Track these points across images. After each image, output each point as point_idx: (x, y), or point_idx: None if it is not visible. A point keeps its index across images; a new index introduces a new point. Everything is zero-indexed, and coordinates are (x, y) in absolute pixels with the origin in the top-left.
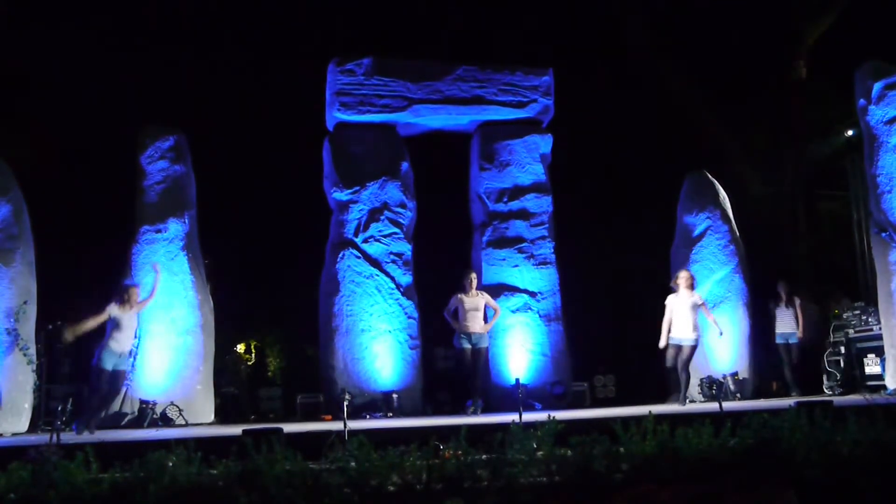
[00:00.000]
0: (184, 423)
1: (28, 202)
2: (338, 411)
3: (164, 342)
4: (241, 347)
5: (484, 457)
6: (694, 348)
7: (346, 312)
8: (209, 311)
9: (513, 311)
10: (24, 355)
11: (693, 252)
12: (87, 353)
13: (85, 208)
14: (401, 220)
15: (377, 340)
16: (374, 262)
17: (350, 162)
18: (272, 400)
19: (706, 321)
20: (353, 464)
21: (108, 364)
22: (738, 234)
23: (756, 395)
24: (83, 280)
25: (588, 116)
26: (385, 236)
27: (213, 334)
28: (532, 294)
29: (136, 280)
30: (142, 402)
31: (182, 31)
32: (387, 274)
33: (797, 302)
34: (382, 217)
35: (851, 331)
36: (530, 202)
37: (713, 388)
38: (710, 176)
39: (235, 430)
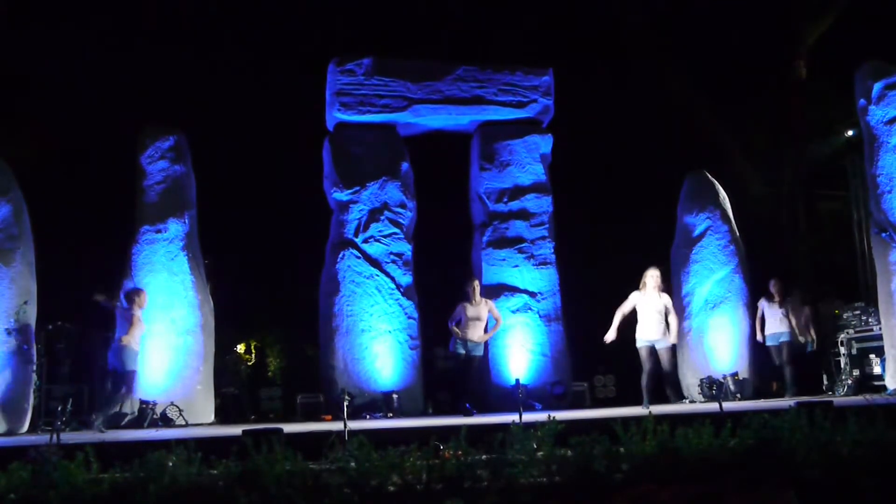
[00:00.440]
0: (184, 423)
1: (28, 202)
2: (338, 411)
3: (164, 342)
4: (241, 347)
5: (484, 457)
6: (670, 350)
7: (347, 312)
8: (209, 311)
9: (513, 312)
10: (24, 355)
11: (693, 252)
12: (87, 354)
13: (85, 208)
14: (401, 220)
15: (377, 340)
16: (375, 263)
17: (350, 162)
18: (272, 400)
19: (706, 323)
20: (353, 464)
21: (135, 364)
22: (738, 234)
23: (756, 396)
24: (83, 280)
25: (588, 116)
26: (385, 236)
27: (213, 334)
28: (532, 294)
29: (136, 280)
30: (142, 402)
31: (182, 31)
32: (387, 274)
33: (789, 302)
34: (382, 217)
35: (851, 331)
36: (530, 202)
37: (713, 388)
38: (710, 176)
39: (235, 430)
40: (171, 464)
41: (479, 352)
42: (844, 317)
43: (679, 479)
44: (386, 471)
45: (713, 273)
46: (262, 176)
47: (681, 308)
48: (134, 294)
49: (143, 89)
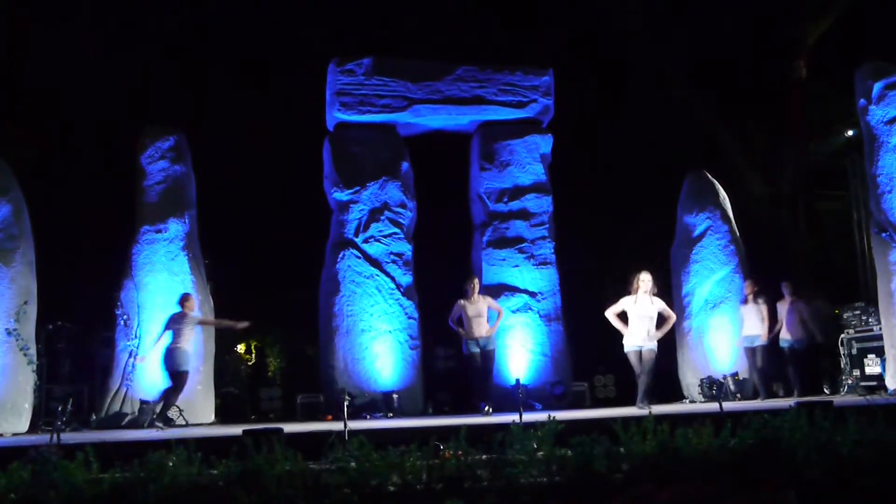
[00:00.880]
0: (184, 423)
1: (28, 202)
2: (338, 411)
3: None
4: (241, 347)
5: (484, 457)
6: (653, 353)
7: (347, 312)
8: (209, 311)
9: (513, 312)
10: (24, 355)
11: (693, 252)
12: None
13: (85, 208)
14: (401, 220)
15: (377, 340)
16: (375, 262)
17: (350, 162)
18: (272, 400)
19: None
20: (353, 464)
21: (188, 365)
22: (738, 234)
23: (756, 396)
24: (83, 280)
25: (588, 116)
26: (385, 236)
27: (213, 334)
28: (532, 294)
29: (136, 279)
30: (142, 402)
31: (182, 31)
32: (387, 274)
33: (761, 301)
34: (382, 217)
35: (851, 331)
36: (530, 202)
37: (713, 388)
38: (710, 176)
39: (235, 430)
40: (171, 464)
41: (493, 345)
42: (844, 317)
43: (679, 479)
44: (386, 471)
45: (713, 273)
46: (261, 176)
47: (681, 308)
48: (183, 299)
49: (143, 89)
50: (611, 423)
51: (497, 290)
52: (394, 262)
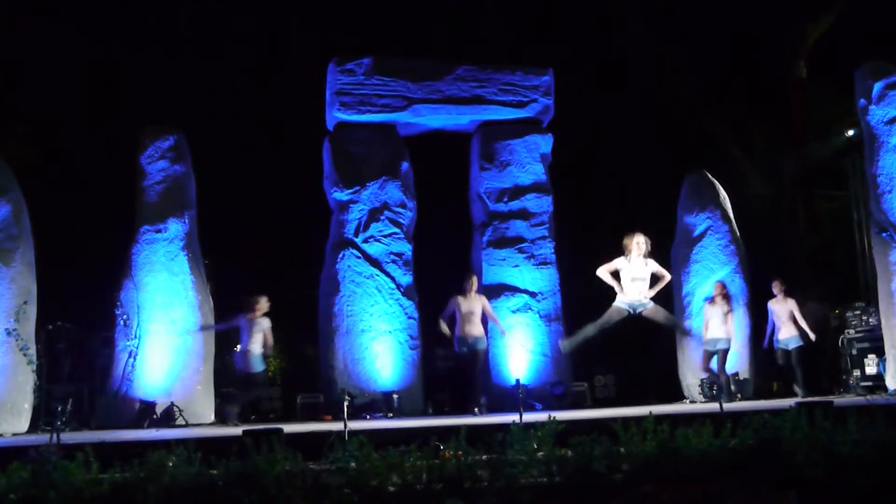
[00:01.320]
0: (184, 423)
1: (28, 202)
2: (338, 411)
3: (164, 342)
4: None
5: (484, 457)
6: (651, 306)
7: (347, 312)
8: (209, 311)
9: (513, 312)
10: (24, 355)
11: (693, 252)
12: (87, 354)
13: (85, 208)
14: (401, 220)
15: (377, 341)
16: (375, 262)
17: (350, 162)
18: (272, 400)
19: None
20: (353, 464)
21: (261, 366)
22: (738, 234)
23: (756, 396)
24: (83, 280)
25: (588, 116)
26: (385, 236)
27: (213, 334)
28: (532, 294)
29: (136, 279)
30: (142, 402)
31: (182, 30)
32: (387, 274)
33: (727, 303)
34: (382, 217)
35: (852, 331)
36: (531, 202)
37: (713, 388)
38: (710, 176)
39: (235, 430)
40: (171, 464)
41: (482, 345)
42: (845, 316)
43: (679, 479)
44: (386, 471)
45: (713, 273)
46: (262, 176)
47: (681, 308)
48: (253, 302)
49: (143, 89)
50: (611, 423)
51: (497, 290)
52: (394, 262)
